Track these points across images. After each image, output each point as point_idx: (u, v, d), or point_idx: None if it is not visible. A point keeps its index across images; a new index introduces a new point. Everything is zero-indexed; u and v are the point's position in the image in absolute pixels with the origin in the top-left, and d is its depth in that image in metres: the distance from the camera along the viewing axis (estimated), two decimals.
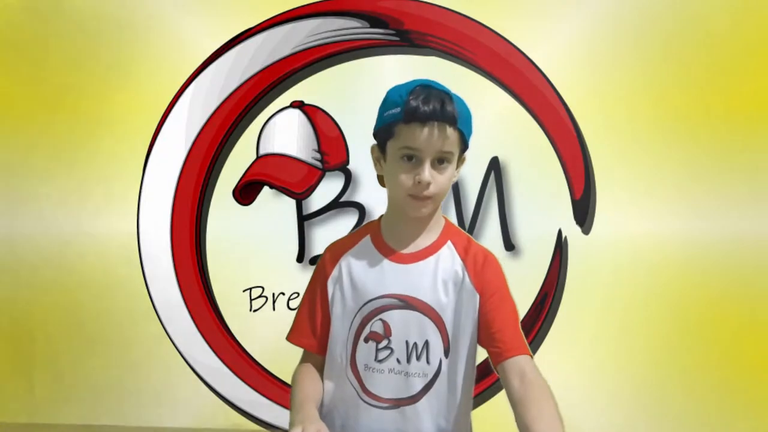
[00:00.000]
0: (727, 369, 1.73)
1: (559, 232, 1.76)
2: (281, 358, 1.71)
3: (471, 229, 1.76)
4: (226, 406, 1.84)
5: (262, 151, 1.80)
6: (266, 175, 1.81)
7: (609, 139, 1.76)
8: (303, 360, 1.15)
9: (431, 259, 1.06)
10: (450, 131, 0.97)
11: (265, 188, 1.81)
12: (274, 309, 1.84)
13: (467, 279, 1.05)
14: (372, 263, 1.08)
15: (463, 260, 1.07)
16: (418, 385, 1.04)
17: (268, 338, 1.82)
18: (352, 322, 1.06)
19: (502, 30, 1.72)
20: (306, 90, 1.77)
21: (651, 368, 1.74)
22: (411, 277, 1.05)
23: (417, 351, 1.04)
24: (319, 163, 1.80)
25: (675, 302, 1.75)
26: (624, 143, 1.75)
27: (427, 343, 1.04)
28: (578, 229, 1.78)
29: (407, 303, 1.04)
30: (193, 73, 1.77)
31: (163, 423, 1.85)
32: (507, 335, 1.04)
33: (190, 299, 1.85)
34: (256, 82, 1.77)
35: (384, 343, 1.04)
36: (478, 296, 1.05)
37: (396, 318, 1.04)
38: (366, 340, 1.05)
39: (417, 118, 0.95)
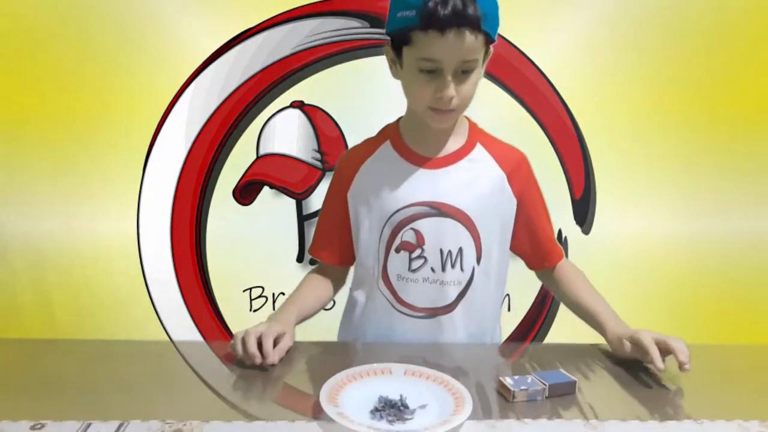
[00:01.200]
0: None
1: (559, 232, 1.76)
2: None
3: None
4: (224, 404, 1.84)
5: (262, 151, 1.80)
6: (266, 175, 1.81)
7: (609, 139, 1.76)
8: (316, 269, 1.12)
9: (461, 163, 1.00)
10: (474, 36, 0.85)
11: (265, 188, 1.81)
12: (274, 309, 1.84)
13: (504, 183, 1.01)
14: (397, 171, 1.00)
15: (498, 163, 1.01)
16: (453, 293, 1.00)
17: None
18: (381, 233, 1.01)
19: (502, 30, 1.70)
20: (306, 90, 1.77)
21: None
22: (441, 182, 0.98)
23: (452, 259, 0.99)
24: (319, 163, 1.80)
25: (675, 302, 1.75)
26: (624, 143, 1.75)
27: (461, 250, 0.99)
28: (578, 229, 1.78)
29: (439, 210, 0.98)
30: (193, 73, 1.76)
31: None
32: (552, 242, 1.08)
33: (190, 299, 1.85)
34: (256, 82, 1.77)
35: (417, 252, 0.99)
36: (515, 202, 1.02)
37: (428, 226, 0.98)
38: (398, 250, 1.00)
39: (435, 25, 0.83)
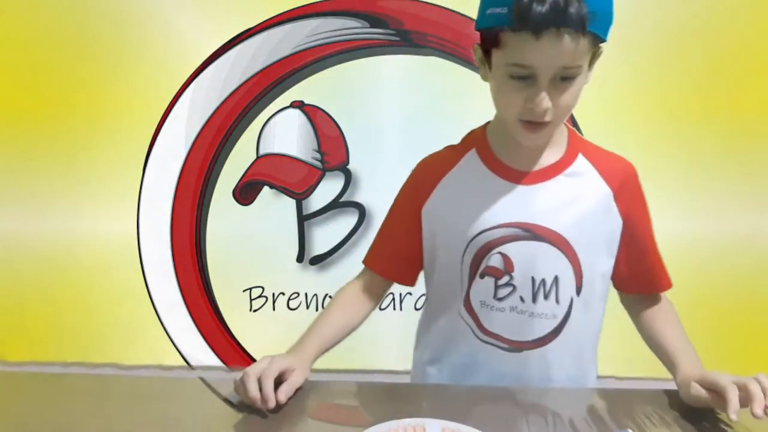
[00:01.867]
0: (727, 369, 1.73)
1: None
2: None
3: None
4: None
5: (262, 151, 1.80)
6: (266, 175, 1.80)
7: (609, 139, 1.75)
8: (355, 281, 0.98)
9: (560, 178, 0.86)
10: (576, 40, 0.71)
11: (265, 188, 1.81)
12: (274, 309, 1.84)
13: (612, 204, 0.87)
14: (483, 185, 0.87)
15: (603, 177, 0.87)
16: (546, 327, 0.87)
17: (268, 338, 1.82)
18: (463, 256, 0.88)
19: None
20: (306, 90, 1.77)
21: (651, 368, 1.73)
22: (536, 201, 0.85)
23: (545, 289, 0.86)
24: (319, 163, 1.80)
25: (674, 302, 1.75)
26: (624, 143, 1.74)
27: (556, 279, 0.85)
28: None
29: (532, 233, 0.85)
30: (193, 73, 1.76)
31: None
32: (661, 268, 0.95)
33: (190, 299, 1.85)
34: (256, 82, 1.77)
35: (505, 279, 0.86)
36: (621, 222, 0.88)
37: (518, 250, 0.85)
38: (482, 276, 0.87)
39: (529, 26, 0.70)
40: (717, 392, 0.74)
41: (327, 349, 0.91)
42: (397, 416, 0.71)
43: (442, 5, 1.72)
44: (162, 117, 1.79)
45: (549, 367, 0.90)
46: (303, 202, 1.81)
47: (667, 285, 0.97)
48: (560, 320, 0.88)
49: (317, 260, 1.83)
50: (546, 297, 0.86)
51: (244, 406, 0.78)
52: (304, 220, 1.82)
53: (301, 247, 1.83)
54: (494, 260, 0.86)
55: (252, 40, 1.75)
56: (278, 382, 0.78)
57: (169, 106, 1.78)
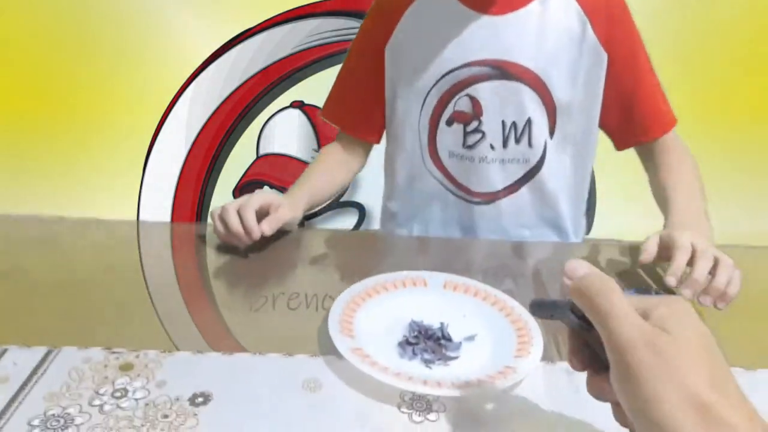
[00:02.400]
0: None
1: None
2: None
3: None
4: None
5: (262, 151, 1.80)
6: (266, 175, 1.80)
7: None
8: (331, 145, 0.95)
9: (532, 6, 0.78)
10: None
11: (265, 188, 1.81)
12: (274, 309, 1.84)
13: (589, 32, 0.78)
14: (450, 16, 0.78)
15: (580, 3, 0.78)
16: (517, 172, 0.82)
17: (268, 338, 1.82)
18: (424, 100, 0.82)
19: None
20: (306, 90, 1.77)
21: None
22: (507, 34, 0.77)
23: (516, 132, 0.80)
24: None
25: None
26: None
27: (529, 121, 0.79)
28: None
29: (502, 70, 0.77)
30: (193, 73, 1.76)
31: None
32: (656, 108, 0.86)
33: (191, 299, 1.85)
34: (256, 82, 1.77)
35: (474, 125, 0.80)
36: (606, 56, 0.80)
37: (487, 91, 0.78)
38: (449, 123, 0.81)
39: None
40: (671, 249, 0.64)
41: (316, 203, 0.87)
42: (392, 269, 0.65)
43: None
44: (162, 117, 1.79)
45: (521, 217, 0.85)
46: None
47: (669, 124, 0.86)
48: (532, 165, 0.82)
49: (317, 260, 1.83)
50: (517, 141, 0.80)
51: (223, 250, 0.67)
52: (304, 220, 1.82)
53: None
54: (462, 104, 0.79)
55: (252, 40, 1.75)
56: (263, 216, 0.71)
57: (169, 106, 1.78)
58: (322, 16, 1.74)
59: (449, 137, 0.82)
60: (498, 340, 0.54)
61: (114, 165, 1.81)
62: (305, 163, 1.79)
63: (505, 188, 0.83)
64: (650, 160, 0.90)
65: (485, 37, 0.78)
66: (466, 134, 0.81)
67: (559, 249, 0.84)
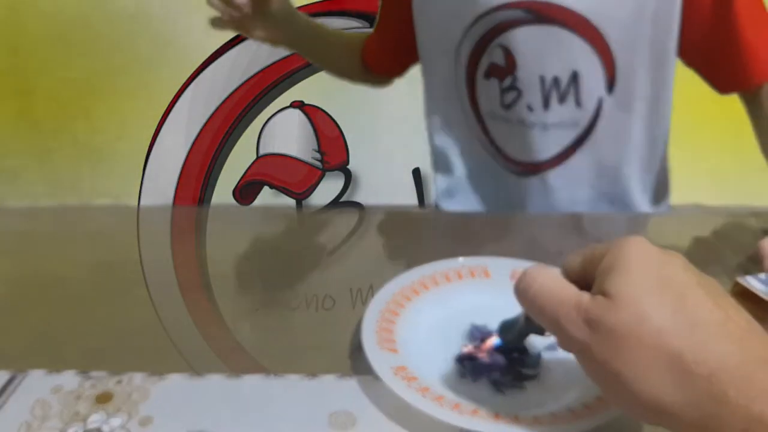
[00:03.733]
0: None
1: None
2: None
3: None
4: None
5: (262, 151, 1.80)
6: (266, 175, 1.80)
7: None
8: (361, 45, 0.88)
9: None
10: None
11: (265, 188, 1.81)
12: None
13: None
14: None
15: None
16: (563, 139, 0.68)
17: (268, 338, 1.82)
18: (458, 50, 0.69)
19: None
20: (306, 90, 1.77)
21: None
22: None
23: (559, 89, 0.65)
24: (319, 163, 1.80)
25: None
26: None
27: (575, 75, 0.65)
28: None
29: (538, 14, 0.62)
30: (193, 73, 1.76)
31: None
32: (752, 45, 0.66)
33: (190, 299, 1.85)
34: (256, 82, 1.77)
35: (508, 80, 0.66)
36: None
37: (520, 40, 0.64)
38: (487, 76, 0.68)
39: None
40: None
41: (312, 33, 0.81)
42: (442, 256, 0.49)
43: None
44: (162, 117, 1.79)
45: (574, 188, 0.71)
46: (303, 202, 1.81)
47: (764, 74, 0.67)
48: (583, 129, 0.67)
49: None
50: (561, 100, 0.66)
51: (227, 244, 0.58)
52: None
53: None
54: (496, 55, 0.66)
55: (252, 40, 1.75)
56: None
57: (169, 105, 1.78)
58: (323, 16, 1.74)
59: (488, 95, 0.69)
60: None
61: (114, 165, 1.81)
62: (305, 163, 1.79)
63: (551, 159, 0.69)
64: (751, 110, 0.76)
65: None
66: (502, 91, 0.67)
67: (641, 222, 0.69)
